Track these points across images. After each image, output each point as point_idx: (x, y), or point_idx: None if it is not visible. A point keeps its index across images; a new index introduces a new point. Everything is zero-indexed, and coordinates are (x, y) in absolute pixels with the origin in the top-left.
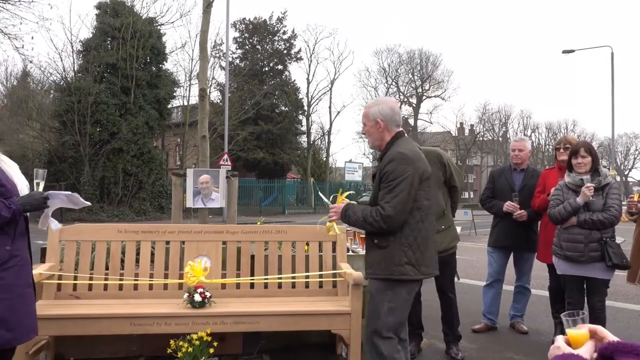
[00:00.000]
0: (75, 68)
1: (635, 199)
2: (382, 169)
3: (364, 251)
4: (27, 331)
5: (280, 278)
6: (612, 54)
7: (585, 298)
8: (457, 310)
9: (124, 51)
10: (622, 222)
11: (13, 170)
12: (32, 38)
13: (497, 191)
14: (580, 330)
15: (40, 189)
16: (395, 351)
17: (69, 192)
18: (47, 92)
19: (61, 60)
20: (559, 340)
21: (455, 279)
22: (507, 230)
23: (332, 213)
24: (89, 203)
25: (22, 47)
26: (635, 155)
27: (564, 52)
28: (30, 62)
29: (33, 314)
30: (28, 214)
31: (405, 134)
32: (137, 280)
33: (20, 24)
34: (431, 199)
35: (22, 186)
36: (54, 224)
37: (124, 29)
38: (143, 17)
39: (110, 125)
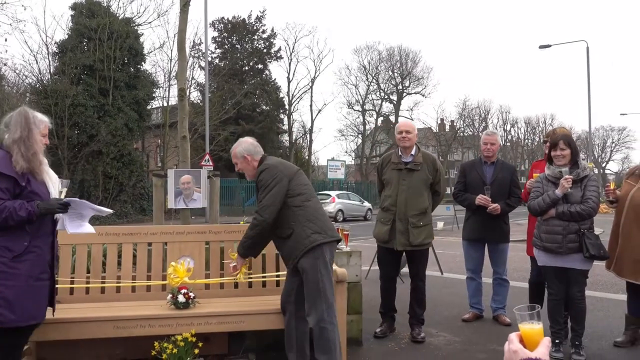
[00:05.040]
0: (51, 70)
1: (612, 187)
2: (257, 181)
3: (347, 248)
4: (29, 317)
5: (264, 277)
6: (588, 48)
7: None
8: (423, 297)
9: (100, 52)
10: (601, 213)
11: (53, 182)
12: (6, 40)
13: (468, 184)
14: (534, 325)
15: (62, 196)
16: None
17: (89, 203)
18: (23, 95)
19: (36, 62)
20: (514, 341)
21: (438, 273)
22: (479, 223)
23: (232, 268)
24: (110, 210)
25: None
26: (612, 148)
27: (541, 47)
28: (5, 64)
29: (40, 303)
30: (57, 218)
31: (267, 156)
32: (119, 282)
33: None
34: (308, 185)
35: (55, 196)
36: (72, 228)
37: (100, 30)
38: (120, 18)
39: (88, 127)
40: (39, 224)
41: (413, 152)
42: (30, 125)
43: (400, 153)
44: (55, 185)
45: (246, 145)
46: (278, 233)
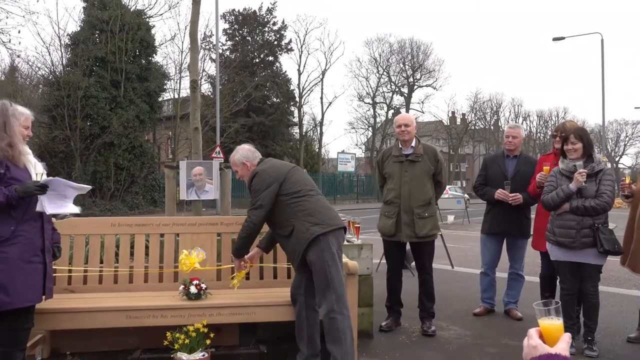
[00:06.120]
0: (64, 62)
1: (627, 181)
2: (250, 186)
3: (358, 241)
4: (24, 299)
5: (275, 268)
6: (602, 40)
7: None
8: (432, 290)
9: (112, 44)
10: (616, 208)
11: (36, 170)
12: (19, 32)
13: (489, 178)
14: (554, 321)
15: (39, 178)
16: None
17: (66, 181)
18: (36, 87)
19: (49, 54)
20: (534, 337)
21: (449, 267)
22: (499, 217)
23: (236, 267)
24: (88, 186)
25: (9, 41)
26: (626, 142)
27: (554, 39)
28: (18, 56)
29: (33, 286)
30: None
31: (264, 159)
32: (131, 269)
33: (7, 17)
34: (303, 181)
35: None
36: (52, 208)
37: (112, 22)
38: (131, 10)
39: (100, 119)
40: (24, 209)
41: (413, 144)
42: (8, 117)
43: (400, 146)
44: (37, 171)
45: (243, 152)
46: (280, 232)
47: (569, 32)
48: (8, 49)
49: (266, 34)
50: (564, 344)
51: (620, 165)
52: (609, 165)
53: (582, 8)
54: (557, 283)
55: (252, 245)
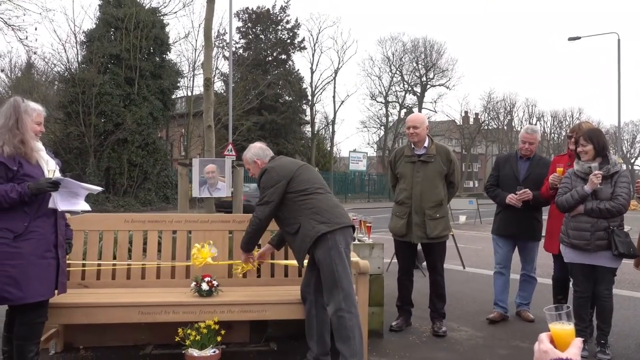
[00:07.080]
0: (79, 59)
1: None
2: (259, 184)
3: (369, 240)
4: (37, 293)
5: (286, 266)
6: (619, 40)
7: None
8: (443, 291)
9: (127, 42)
10: (631, 210)
11: (49, 166)
12: (36, 29)
13: (501, 179)
14: (565, 326)
15: (53, 175)
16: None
17: (78, 182)
18: (52, 83)
19: (65, 51)
20: (545, 341)
21: (461, 267)
22: (509, 219)
23: (243, 261)
24: (99, 188)
25: (26, 38)
26: None
27: (570, 39)
28: (35, 53)
29: (45, 281)
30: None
31: (275, 157)
32: (144, 264)
33: (24, 15)
34: (312, 179)
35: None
36: (64, 205)
37: (127, 20)
38: (146, 8)
39: (114, 116)
40: (37, 205)
41: (426, 144)
42: (20, 113)
43: (412, 146)
44: (49, 168)
45: (255, 150)
46: (287, 230)
47: (585, 32)
48: (25, 45)
49: (279, 33)
50: (575, 349)
51: (636, 167)
52: (624, 166)
53: (599, 8)
54: (570, 286)
55: (263, 242)
